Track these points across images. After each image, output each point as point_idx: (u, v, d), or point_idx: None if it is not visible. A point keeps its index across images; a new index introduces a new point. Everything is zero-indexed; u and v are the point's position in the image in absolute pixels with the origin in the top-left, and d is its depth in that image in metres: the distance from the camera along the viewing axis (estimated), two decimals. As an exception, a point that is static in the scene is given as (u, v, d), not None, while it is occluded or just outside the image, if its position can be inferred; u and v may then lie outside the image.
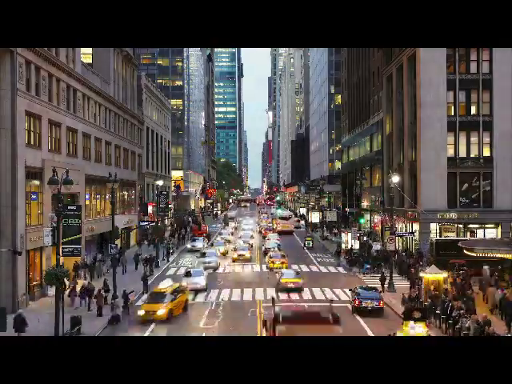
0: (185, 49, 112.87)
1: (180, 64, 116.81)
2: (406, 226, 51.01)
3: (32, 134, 33.20)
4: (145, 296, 33.91)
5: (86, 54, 47.59)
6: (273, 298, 24.17)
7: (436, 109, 45.91)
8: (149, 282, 37.54)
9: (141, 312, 28.79)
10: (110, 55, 51.62)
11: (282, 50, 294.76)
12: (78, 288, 32.98)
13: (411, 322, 23.79)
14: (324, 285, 38.82)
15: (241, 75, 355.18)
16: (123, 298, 30.67)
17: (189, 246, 60.30)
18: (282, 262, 45.24)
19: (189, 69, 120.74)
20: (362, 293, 30.48)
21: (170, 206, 70.82)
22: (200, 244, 59.31)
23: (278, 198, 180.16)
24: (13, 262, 30.22)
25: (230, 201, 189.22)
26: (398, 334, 22.77)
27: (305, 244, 62.74)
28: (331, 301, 22.90)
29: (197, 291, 35.75)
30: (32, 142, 33.09)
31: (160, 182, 63.03)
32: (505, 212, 44.99)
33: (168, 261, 51.09)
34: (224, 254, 54.38)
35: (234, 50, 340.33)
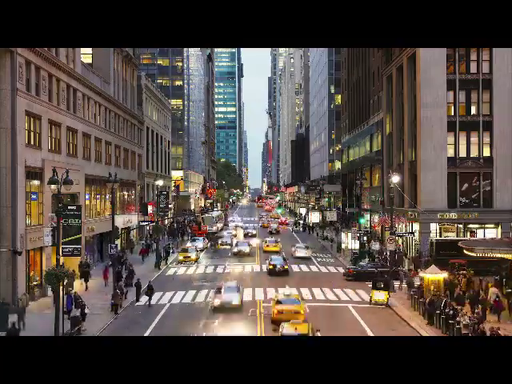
0: (185, 49, 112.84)
1: (180, 64, 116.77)
2: (406, 226, 51.01)
3: (32, 133, 33.19)
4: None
5: (86, 54, 47.58)
6: None
7: (436, 109, 45.91)
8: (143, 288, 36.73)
9: None
10: (109, 55, 51.61)
11: (281, 50, 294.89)
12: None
13: (376, 291, 32.46)
14: (324, 285, 38.83)
15: (241, 75, 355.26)
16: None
17: (189, 245, 60.12)
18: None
19: (189, 69, 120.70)
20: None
21: (170, 205, 70.82)
22: (200, 244, 59.16)
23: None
24: (13, 261, 30.22)
25: (231, 200, 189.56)
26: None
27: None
28: None
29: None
30: (32, 142, 33.08)
31: (160, 182, 63.03)
32: (505, 212, 44.99)
33: (166, 263, 49.83)
34: None
35: (234, 50, 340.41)
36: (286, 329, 23.41)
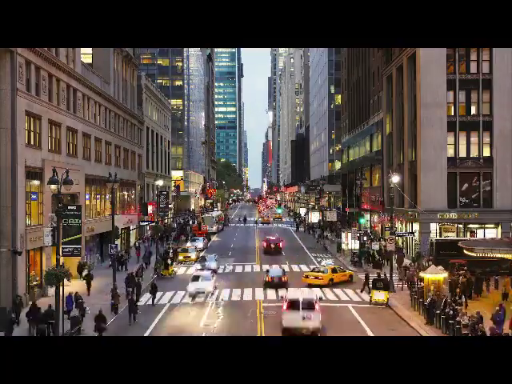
0: (185, 49, 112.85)
1: (180, 64, 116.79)
2: (405, 226, 51.00)
3: (32, 133, 33.18)
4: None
5: (86, 54, 47.56)
6: None
7: (436, 109, 45.91)
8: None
9: None
10: (109, 55, 51.60)
11: (281, 50, 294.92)
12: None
13: (376, 291, 32.43)
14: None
15: (241, 75, 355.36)
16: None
17: (189, 244, 60.07)
18: None
19: (189, 69, 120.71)
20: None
21: (170, 205, 70.82)
22: (200, 244, 59.11)
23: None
24: (13, 262, 30.21)
25: (230, 200, 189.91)
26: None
27: None
28: None
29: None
30: (32, 142, 33.08)
31: (160, 182, 63.01)
32: (505, 212, 44.99)
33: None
34: None
35: (234, 50, 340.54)
36: None
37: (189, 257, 50.72)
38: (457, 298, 30.47)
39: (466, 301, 31.23)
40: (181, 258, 50.68)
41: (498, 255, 32.78)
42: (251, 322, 28.98)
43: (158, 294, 35.30)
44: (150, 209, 63.28)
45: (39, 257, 34.04)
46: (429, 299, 28.94)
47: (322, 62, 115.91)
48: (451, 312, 26.14)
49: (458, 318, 25.36)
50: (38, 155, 33.53)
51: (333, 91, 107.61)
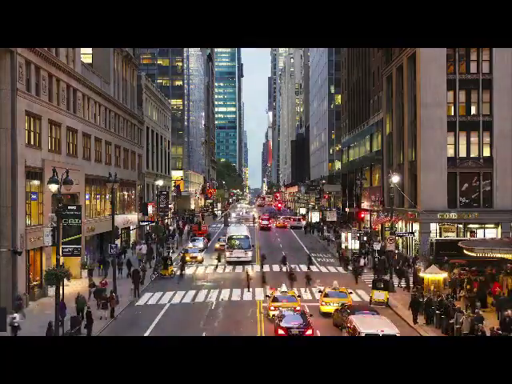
0: (185, 49, 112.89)
1: (180, 64, 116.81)
2: (405, 226, 51.00)
3: (32, 133, 33.19)
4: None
5: (86, 54, 47.56)
6: None
7: (436, 109, 45.92)
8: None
9: None
10: (109, 55, 51.61)
11: (281, 50, 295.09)
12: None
13: (376, 291, 32.43)
14: (324, 285, 38.79)
15: (241, 75, 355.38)
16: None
17: (190, 245, 60.10)
18: None
19: (189, 69, 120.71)
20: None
21: (170, 205, 70.76)
22: (200, 244, 59.11)
23: None
24: (13, 262, 30.21)
25: (230, 200, 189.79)
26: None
27: None
28: None
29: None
30: (32, 142, 33.08)
31: (160, 182, 63.02)
32: (505, 212, 44.99)
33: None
34: None
35: (234, 50, 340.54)
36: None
37: (195, 257, 50.90)
38: (452, 298, 30.50)
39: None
40: (188, 258, 50.61)
41: (498, 255, 32.77)
42: (251, 322, 29.00)
43: (158, 294, 35.35)
44: (150, 209, 63.26)
45: (39, 257, 34.04)
46: (426, 298, 29.03)
47: (322, 62, 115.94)
48: (455, 314, 26.15)
49: (460, 320, 25.35)
50: (38, 155, 33.53)
51: (333, 91, 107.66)
